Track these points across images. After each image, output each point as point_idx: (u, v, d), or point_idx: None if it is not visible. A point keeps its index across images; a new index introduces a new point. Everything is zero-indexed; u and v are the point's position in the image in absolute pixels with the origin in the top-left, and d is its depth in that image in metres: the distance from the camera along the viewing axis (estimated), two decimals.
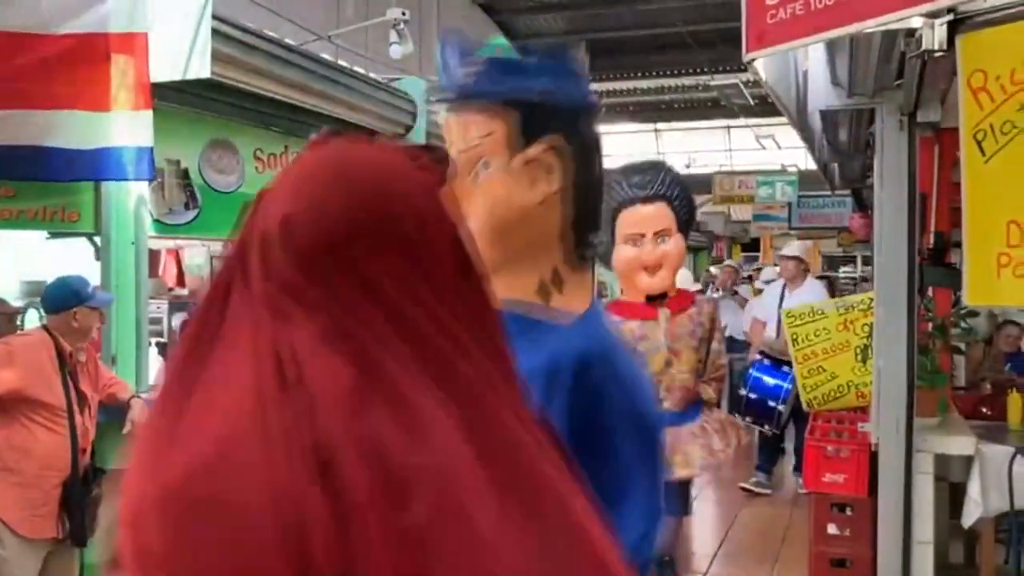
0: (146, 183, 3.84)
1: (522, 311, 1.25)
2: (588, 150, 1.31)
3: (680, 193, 3.91)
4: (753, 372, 6.43)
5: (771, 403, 6.20)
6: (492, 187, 1.26)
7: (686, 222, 3.97)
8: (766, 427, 6.37)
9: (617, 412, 1.18)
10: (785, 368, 6.12)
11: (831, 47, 3.48)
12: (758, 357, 6.61)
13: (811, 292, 6.84)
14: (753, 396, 6.30)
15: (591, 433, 1.15)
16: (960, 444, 3.74)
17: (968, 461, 3.73)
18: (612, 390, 1.19)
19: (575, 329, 1.24)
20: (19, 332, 3.79)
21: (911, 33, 2.78)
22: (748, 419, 6.31)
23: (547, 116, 1.27)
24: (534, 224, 1.27)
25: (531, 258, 1.27)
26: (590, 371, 1.18)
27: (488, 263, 1.19)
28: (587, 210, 1.32)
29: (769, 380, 6.28)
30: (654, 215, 3.73)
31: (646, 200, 3.72)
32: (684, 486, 4.54)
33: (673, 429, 3.91)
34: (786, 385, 6.12)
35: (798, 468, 6.37)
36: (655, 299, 3.84)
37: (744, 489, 6.58)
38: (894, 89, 3.52)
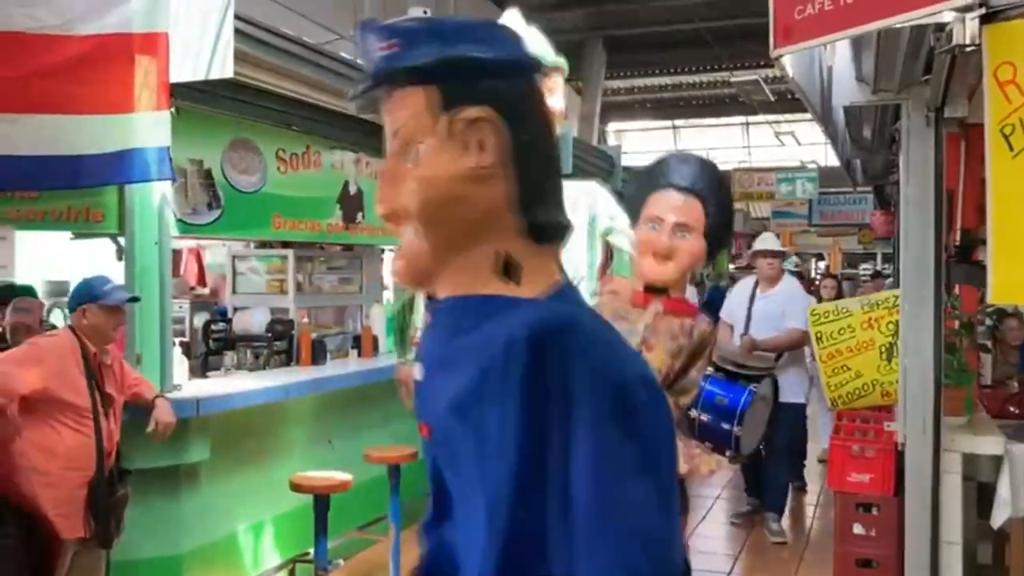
0: (169, 183, 3.85)
1: (481, 295, 1.15)
2: (525, 117, 1.19)
3: (717, 197, 3.80)
4: (705, 386, 5.34)
5: (724, 425, 5.31)
6: (422, 166, 1.16)
7: (715, 230, 3.82)
8: (727, 453, 5.49)
9: (584, 392, 1.01)
10: (741, 383, 5.33)
11: (857, 42, 3.45)
12: (709, 370, 5.58)
13: (787, 291, 5.88)
14: (705, 418, 5.24)
15: (552, 424, 1.01)
16: (988, 443, 3.70)
17: (996, 460, 3.69)
18: (576, 365, 1.02)
19: (535, 303, 1.12)
20: (46, 332, 3.81)
21: (940, 28, 2.75)
22: (708, 445, 5.32)
23: (469, 84, 1.16)
24: (472, 203, 1.15)
25: (476, 241, 1.16)
26: (546, 345, 1.03)
27: (433, 251, 1.15)
28: (535, 184, 1.19)
29: (722, 399, 5.38)
30: (680, 205, 3.62)
31: (679, 188, 3.64)
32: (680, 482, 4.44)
33: None
34: (744, 398, 5.28)
35: (770, 505, 5.69)
36: (654, 291, 3.77)
37: (734, 523, 5.63)
38: (921, 84, 3.48)
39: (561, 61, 3.37)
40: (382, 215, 1.21)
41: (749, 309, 5.80)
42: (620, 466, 0.99)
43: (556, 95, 3.21)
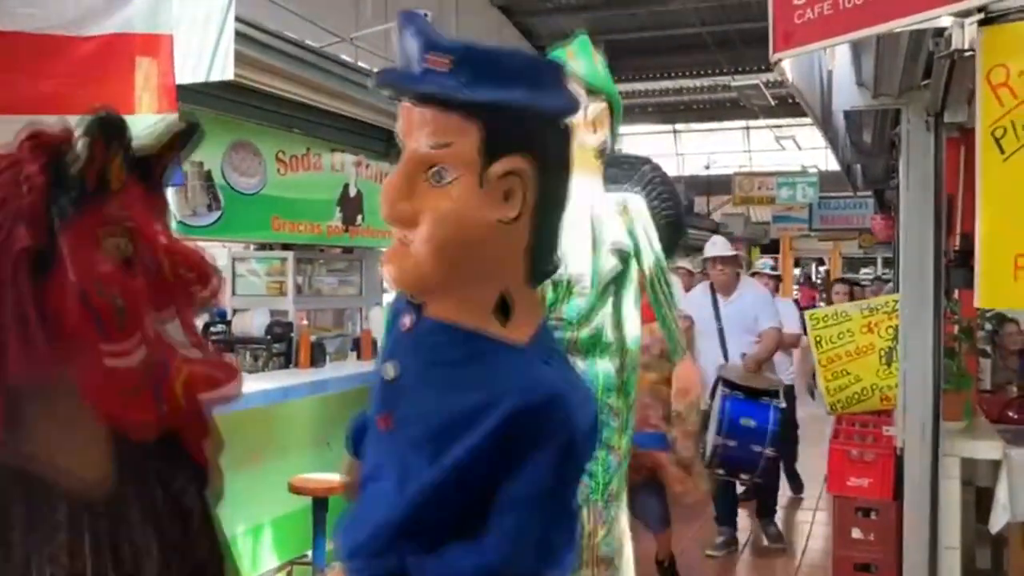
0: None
1: (472, 330, 1.22)
2: (555, 167, 1.23)
3: (660, 193, 3.44)
4: (728, 409, 4.73)
5: (756, 448, 4.69)
6: (452, 199, 1.17)
7: (668, 227, 3.39)
8: (743, 477, 4.94)
9: (530, 473, 1.17)
10: (764, 399, 4.86)
11: (857, 47, 3.45)
12: (726, 391, 4.84)
13: (754, 294, 5.56)
14: (732, 443, 4.66)
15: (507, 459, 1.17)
16: (987, 448, 3.69)
17: (995, 465, 3.68)
18: (536, 454, 1.16)
19: (522, 360, 1.20)
20: None
21: (939, 32, 2.76)
22: (721, 471, 4.78)
23: (517, 132, 1.18)
24: (492, 246, 1.20)
25: (483, 280, 1.22)
26: (532, 417, 1.16)
27: (436, 277, 1.20)
28: (548, 233, 1.25)
29: (750, 421, 4.73)
30: None
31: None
32: (661, 500, 4.40)
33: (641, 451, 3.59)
34: (772, 416, 4.78)
35: (763, 511, 5.51)
36: None
37: (710, 556, 5.18)
38: (920, 89, 3.48)
39: (612, 92, 3.03)
40: (389, 218, 1.21)
41: (718, 319, 5.39)
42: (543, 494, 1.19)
43: (600, 131, 2.90)
